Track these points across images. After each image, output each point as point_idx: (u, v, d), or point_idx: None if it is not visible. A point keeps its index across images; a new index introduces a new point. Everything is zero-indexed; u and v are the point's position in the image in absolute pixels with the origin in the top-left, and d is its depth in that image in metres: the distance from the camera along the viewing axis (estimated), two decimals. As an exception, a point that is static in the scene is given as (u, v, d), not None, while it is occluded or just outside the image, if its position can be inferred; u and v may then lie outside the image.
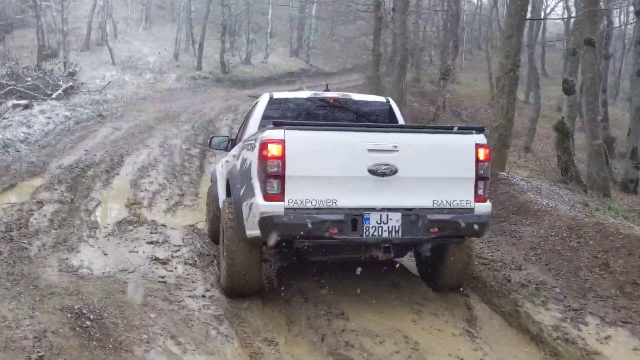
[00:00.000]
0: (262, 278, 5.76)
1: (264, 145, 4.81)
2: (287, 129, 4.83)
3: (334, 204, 4.84)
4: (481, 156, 5.14)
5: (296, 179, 4.79)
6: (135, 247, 6.60)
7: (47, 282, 5.30)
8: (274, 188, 4.78)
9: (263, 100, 6.61)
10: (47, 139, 16.25)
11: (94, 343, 4.01)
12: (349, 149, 4.90)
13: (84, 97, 22.15)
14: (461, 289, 6.06)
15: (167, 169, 13.00)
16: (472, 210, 5.13)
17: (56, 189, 11.06)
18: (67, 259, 6.32)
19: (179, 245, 6.82)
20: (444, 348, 4.58)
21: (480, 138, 5.21)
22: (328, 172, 4.87)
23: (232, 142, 7.80)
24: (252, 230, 5.01)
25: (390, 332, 4.74)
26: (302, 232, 4.78)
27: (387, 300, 5.51)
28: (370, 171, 4.87)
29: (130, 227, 7.81)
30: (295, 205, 4.79)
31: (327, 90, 7.00)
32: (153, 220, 8.36)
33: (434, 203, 5.05)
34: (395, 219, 4.95)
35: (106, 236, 7.51)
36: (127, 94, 23.35)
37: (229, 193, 6.03)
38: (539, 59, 40.78)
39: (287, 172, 4.77)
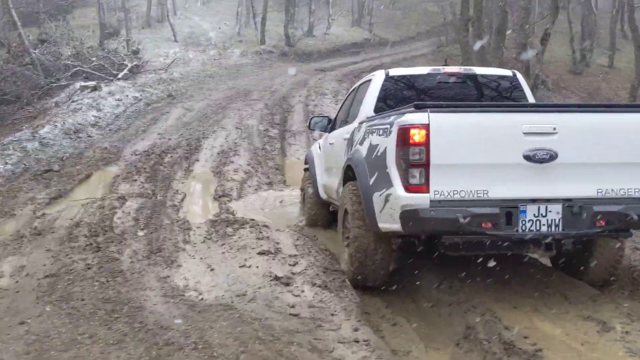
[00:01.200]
0: (390, 270, 5.24)
1: (405, 131, 4.32)
2: (431, 111, 4.30)
3: (485, 195, 4.33)
4: None
5: (442, 168, 4.29)
6: (245, 260, 5.49)
7: (155, 318, 4.25)
8: (416, 178, 4.30)
9: (378, 78, 6.01)
10: (118, 122, 15.48)
11: None
12: (501, 133, 4.38)
13: (150, 76, 21.33)
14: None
15: (249, 154, 11.94)
16: (638, 199, 4.46)
17: (135, 180, 10.17)
18: (168, 277, 5.27)
19: (295, 256, 5.68)
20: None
21: None
22: (478, 159, 4.36)
23: (331, 123, 7.36)
24: (389, 224, 4.54)
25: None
26: (452, 228, 4.28)
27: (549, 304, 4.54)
28: (526, 157, 4.33)
29: (229, 230, 6.73)
30: (442, 197, 4.29)
31: (445, 64, 6.60)
32: (252, 220, 7.27)
33: (598, 192, 4.45)
34: (556, 211, 4.39)
35: (204, 241, 6.46)
36: (193, 72, 22.41)
37: (347, 178, 5.57)
38: None
39: (432, 161, 4.27)
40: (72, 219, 7.67)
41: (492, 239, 4.46)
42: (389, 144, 4.54)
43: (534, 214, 4.37)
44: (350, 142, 5.87)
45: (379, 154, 4.75)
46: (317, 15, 37.43)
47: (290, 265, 5.41)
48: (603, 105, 5.31)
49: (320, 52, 30.62)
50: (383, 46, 36.35)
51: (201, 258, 5.81)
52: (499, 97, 6.15)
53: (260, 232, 6.48)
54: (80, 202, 8.85)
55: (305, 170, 8.49)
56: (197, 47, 28.48)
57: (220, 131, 14.01)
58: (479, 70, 6.33)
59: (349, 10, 41.27)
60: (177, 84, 19.81)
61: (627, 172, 4.49)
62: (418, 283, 5.29)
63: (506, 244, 4.61)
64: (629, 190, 4.48)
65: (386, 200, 4.53)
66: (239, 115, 15.59)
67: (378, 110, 5.79)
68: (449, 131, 4.33)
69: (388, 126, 4.60)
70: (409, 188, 4.33)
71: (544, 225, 4.38)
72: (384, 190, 4.56)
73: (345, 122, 6.64)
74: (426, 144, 4.26)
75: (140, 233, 7.25)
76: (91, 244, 6.45)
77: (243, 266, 5.38)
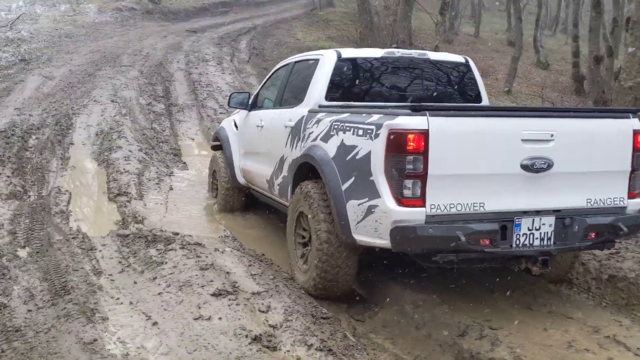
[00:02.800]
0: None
1: (399, 136, 3.86)
2: (430, 114, 3.86)
3: (481, 208, 4.01)
4: (638, 144, 4.39)
5: (439, 179, 3.91)
6: (199, 308, 4.12)
7: None
8: (411, 190, 3.87)
9: (329, 59, 5.43)
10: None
11: None
12: (501, 140, 4.05)
13: (-8, 35, 18.10)
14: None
15: (138, 136, 10.16)
16: (624, 208, 4.42)
17: (-1, 174, 8.10)
18: (95, 340, 3.78)
19: (261, 294, 4.39)
20: None
21: (637, 123, 4.41)
22: (476, 168, 4.02)
23: (252, 100, 6.85)
24: (371, 238, 4.15)
25: None
26: (450, 246, 3.90)
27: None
28: (524, 167, 4.06)
29: (152, 252, 5.27)
30: (438, 212, 3.92)
31: (397, 47, 6.07)
32: (176, 234, 5.83)
33: (587, 202, 4.31)
34: (548, 224, 4.17)
35: (123, 271, 4.97)
36: (44, 30, 19.34)
37: (300, 175, 5.15)
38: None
39: (430, 171, 3.87)
40: None
41: (489, 256, 4.14)
42: (374, 148, 4.04)
43: (528, 228, 4.12)
44: (296, 131, 5.33)
45: (357, 157, 4.23)
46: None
47: (262, 311, 4.14)
48: (599, 110, 4.95)
49: (188, 10, 28.24)
50: (253, 5, 34.76)
51: (131, 303, 4.34)
52: (452, 83, 5.88)
53: (198, 257, 5.09)
54: None
55: (214, 148, 7.80)
56: (45, 0, 24.92)
57: (93, 105, 11.93)
58: (433, 55, 5.87)
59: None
60: (29, 45, 16.90)
61: (609, 180, 4.39)
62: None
63: (499, 259, 4.36)
64: (615, 199, 4.41)
65: (369, 211, 4.10)
66: (112, 85, 13.49)
67: (329, 97, 5.33)
68: (449, 138, 3.91)
69: (373, 127, 4.09)
70: (402, 201, 3.90)
71: (537, 239, 4.14)
72: (365, 199, 4.12)
73: (280, 104, 6.10)
74: (424, 152, 3.83)
75: (24, 254, 5.55)
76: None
77: (199, 318, 4.02)
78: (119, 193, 7.57)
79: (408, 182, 3.86)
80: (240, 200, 7.30)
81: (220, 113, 12.24)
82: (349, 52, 5.59)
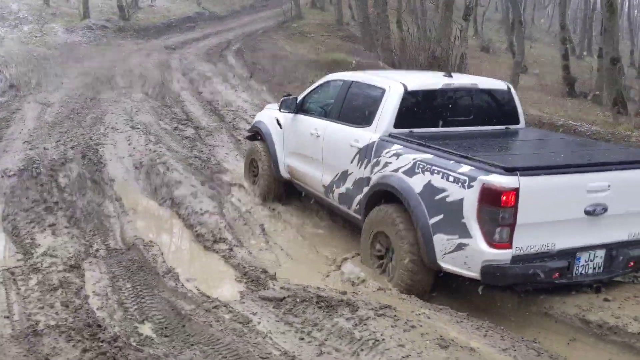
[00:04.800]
0: None
1: (493, 192, 4.47)
2: (521, 174, 4.47)
3: (553, 248, 4.72)
4: None
5: (525, 226, 4.54)
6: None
7: None
8: (501, 236, 4.53)
9: (396, 93, 5.91)
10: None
11: None
12: (572, 191, 4.74)
13: (-40, 60, 16.19)
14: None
15: (186, 167, 8.83)
16: None
17: (53, 225, 6.68)
18: None
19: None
20: None
21: None
22: (552, 216, 4.68)
23: (297, 104, 7.36)
24: (458, 268, 4.80)
25: None
26: (530, 280, 4.65)
27: None
28: (587, 212, 4.75)
29: (341, 322, 4.14)
30: (521, 252, 4.60)
31: (449, 75, 6.42)
32: (343, 293, 4.71)
33: (629, 236, 5.03)
34: (600, 256, 4.91)
35: (321, 353, 3.81)
36: (17, 53, 17.47)
37: (377, 197, 5.70)
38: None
39: (519, 221, 4.50)
40: None
41: (556, 285, 4.85)
42: (467, 196, 4.64)
43: (585, 260, 4.83)
44: (366, 154, 5.87)
45: (448, 200, 4.81)
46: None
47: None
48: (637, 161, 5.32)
49: (157, 27, 26.67)
50: (215, 20, 33.55)
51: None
52: (496, 110, 6.47)
53: (409, 324, 3.98)
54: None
55: (251, 138, 8.53)
56: (3, 22, 22.91)
57: (113, 133, 10.51)
58: (481, 84, 6.49)
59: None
60: (9, 69, 15.16)
61: None
62: None
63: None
64: None
65: (459, 247, 4.73)
66: (123, 110, 12.06)
67: (397, 125, 5.81)
68: (534, 193, 4.53)
69: (465, 178, 4.66)
70: (492, 244, 4.54)
71: (590, 268, 4.86)
72: (456, 236, 4.75)
73: (338, 118, 6.57)
74: (515, 206, 4.45)
75: (148, 331, 4.37)
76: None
77: None
78: (215, 240, 6.30)
79: (499, 229, 4.50)
80: (281, 189, 7.85)
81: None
82: (415, 85, 6.05)
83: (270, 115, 8.04)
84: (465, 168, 4.71)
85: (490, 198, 4.48)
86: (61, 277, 5.23)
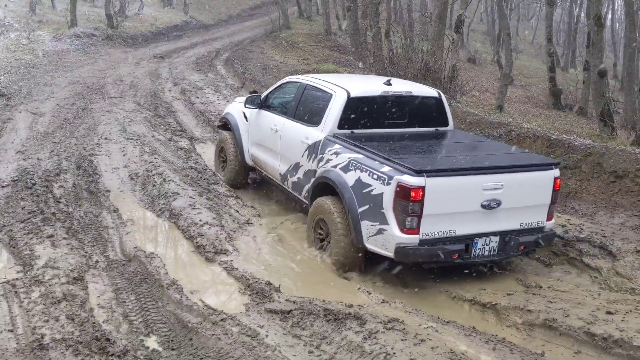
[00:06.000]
0: None
1: (404, 189, 5.44)
2: (427, 176, 5.43)
3: (454, 234, 5.67)
4: (556, 186, 6.08)
5: (430, 216, 5.50)
6: None
7: None
8: (411, 224, 5.49)
9: (340, 98, 6.82)
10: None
11: None
12: (470, 189, 5.68)
13: (-52, 68, 16.02)
14: None
15: (183, 178, 8.80)
16: (543, 228, 6.13)
17: (51, 236, 6.63)
18: None
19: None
20: None
21: (557, 172, 6.11)
22: (453, 208, 5.63)
23: (263, 100, 8.30)
24: (378, 248, 5.77)
25: None
26: (434, 259, 5.65)
27: None
28: (483, 206, 5.69)
29: (350, 336, 4.15)
30: (427, 237, 5.56)
31: (389, 83, 7.19)
32: (349, 305, 4.72)
33: (520, 225, 5.99)
34: (495, 241, 5.87)
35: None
36: (5, 61, 17.36)
37: (320, 189, 6.65)
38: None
39: (425, 212, 5.47)
40: None
41: (457, 264, 5.91)
42: (386, 191, 5.60)
43: (482, 244, 5.82)
44: (313, 150, 6.80)
45: (372, 193, 5.76)
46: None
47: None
48: (534, 164, 6.26)
49: (145, 35, 26.68)
50: (202, 29, 33.64)
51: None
52: (428, 114, 7.35)
53: (418, 338, 4.00)
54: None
55: (220, 127, 9.48)
56: (-11, 28, 22.72)
57: (107, 144, 10.47)
58: (415, 91, 7.41)
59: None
60: (-2, 77, 15.03)
61: (536, 210, 6.05)
62: None
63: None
64: (534, 222, 6.05)
65: (379, 232, 5.70)
66: (115, 120, 12.01)
67: (340, 126, 6.72)
68: (437, 190, 5.49)
69: (385, 177, 5.63)
70: (404, 230, 5.51)
71: (487, 251, 5.86)
72: (377, 223, 5.71)
73: (293, 116, 7.47)
74: (421, 201, 5.42)
75: (153, 344, 4.37)
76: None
77: None
78: (216, 251, 6.30)
79: (409, 219, 5.46)
80: (246, 175, 8.93)
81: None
82: (357, 91, 6.92)
83: (238, 109, 8.94)
84: (386, 168, 5.66)
85: (403, 194, 5.42)
86: (65, 289, 5.20)
